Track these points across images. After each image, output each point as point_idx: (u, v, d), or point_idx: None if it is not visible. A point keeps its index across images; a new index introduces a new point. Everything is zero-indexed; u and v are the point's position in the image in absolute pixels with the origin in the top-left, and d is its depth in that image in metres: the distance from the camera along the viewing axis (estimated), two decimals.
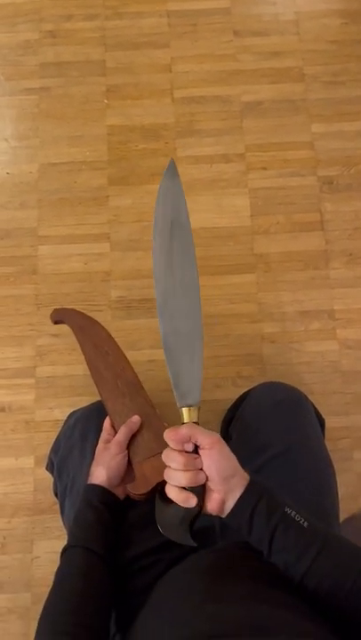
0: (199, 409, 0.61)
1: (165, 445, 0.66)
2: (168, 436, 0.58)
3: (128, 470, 0.75)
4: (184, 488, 0.57)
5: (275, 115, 1.38)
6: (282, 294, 1.25)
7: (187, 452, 0.58)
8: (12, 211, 1.31)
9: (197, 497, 0.57)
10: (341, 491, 0.82)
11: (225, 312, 1.24)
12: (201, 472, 0.58)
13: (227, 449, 0.58)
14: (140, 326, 1.23)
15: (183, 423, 0.60)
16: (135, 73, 1.40)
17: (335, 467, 0.82)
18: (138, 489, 0.72)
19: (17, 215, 1.30)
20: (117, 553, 0.71)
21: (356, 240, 1.29)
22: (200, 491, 0.58)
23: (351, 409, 1.19)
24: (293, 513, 0.56)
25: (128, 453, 0.75)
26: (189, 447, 0.58)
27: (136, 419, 0.77)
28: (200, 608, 0.52)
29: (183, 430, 0.58)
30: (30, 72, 1.40)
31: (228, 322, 1.24)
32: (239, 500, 0.57)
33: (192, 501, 0.57)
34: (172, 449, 0.58)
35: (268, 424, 0.81)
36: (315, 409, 0.88)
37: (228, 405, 1.03)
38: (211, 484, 0.58)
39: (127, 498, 0.74)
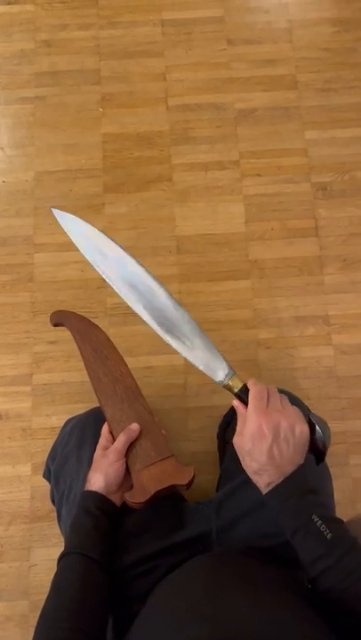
0: (236, 376, 0.70)
1: (164, 454, 0.69)
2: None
3: (126, 476, 0.74)
4: None
5: (268, 122, 1.39)
6: (277, 300, 1.26)
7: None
8: (7, 218, 1.31)
9: None
10: (338, 496, 0.83)
11: (220, 318, 1.25)
12: None
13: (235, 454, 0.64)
14: (137, 333, 1.23)
15: (235, 393, 0.69)
16: (130, 81, 1.41)
17: (331, 472, 0.82)
18: (136, 498, 0.71)
19: (13, 223, 1.31)
20: (114, 559, 0.71)
21: (350, 246, 1.30)
22: None
23: (347, 414, 1.20)
24: (320, 522, 0.58)
25: (126, 461, 0.75)
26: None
27: (135, 426, 0.76)
28: (199, 612, 0.53)
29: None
30: (26, 81, 1.41)
31: (223, 328, 1.24)
32: (267, 494, 0.61)
33: None
34: None
35: None
36: None
37: (225, 411, 1.03)
38: None
39: (124, 504, 0.74)
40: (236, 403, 0.68)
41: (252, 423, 0.63)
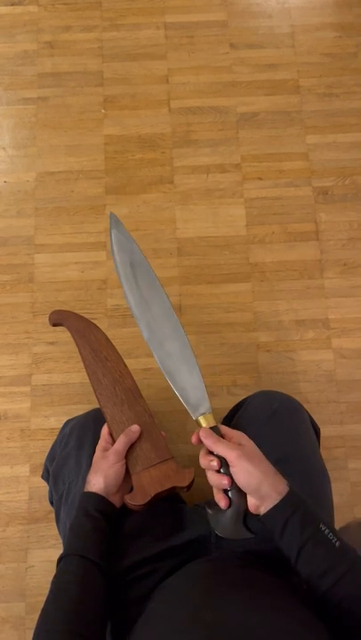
0: (212, 414, 0.71)
1: (164, 456, 0.69)
2: (194, 438, 0.68)
3: (125, 478, 0.74)
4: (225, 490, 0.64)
5: (270, 126, 1.40)
6: (277, 303, 1.26)
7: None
8: (8, 219, 1.31)
9: (231, 498, 0.64)
10: (336, 500, 0.83)
11: (220, 321, 1.25)
12: (223, 476, 0.64)
13: (247, 465, 0.62)
14: (136, 334, 1.23)
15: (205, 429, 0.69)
16: (132, 84, 1.41)
17: (330, 476, 0.82)
18: (136, 500, 0.71)
19: (14, 223, 1.31)
20: (113, 562, 0.71)
21: (350, 250, 1.31)
22: (231, 494, 0.64)
23: (346, 418, 1.20)
24: (327, 531, 0.58)
25: (126, 463, 0.74)
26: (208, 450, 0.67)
27: (136, 428, 0.76)
28: (198, 617, 0.52)
29: (208, 441, 0.66)
30: (28, 82, 1.41)
31: (223, 330, 1.24)
32: (272, 509, 0.60)
33: (222, 502, 0.64)
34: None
35: (263, 433, 0.81)
36: (310, 418, 0.88)
37: (224, 414, 1.03)
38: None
39: (123, 505, 0.74)
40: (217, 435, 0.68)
41: (250, 442, 0.66)
